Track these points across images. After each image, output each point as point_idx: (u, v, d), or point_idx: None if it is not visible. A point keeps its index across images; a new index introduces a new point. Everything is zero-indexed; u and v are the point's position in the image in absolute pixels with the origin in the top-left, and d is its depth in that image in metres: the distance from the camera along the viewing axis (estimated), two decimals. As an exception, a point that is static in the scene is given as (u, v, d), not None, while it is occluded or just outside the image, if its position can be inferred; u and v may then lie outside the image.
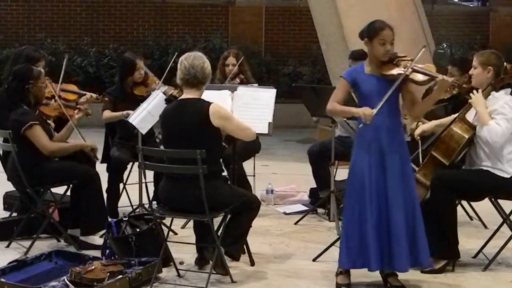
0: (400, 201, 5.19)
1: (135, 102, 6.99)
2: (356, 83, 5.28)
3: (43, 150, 6.18)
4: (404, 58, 5.29)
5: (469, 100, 5.76)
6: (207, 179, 5.23)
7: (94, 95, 7.06)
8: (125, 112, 6.98)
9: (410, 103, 5.37)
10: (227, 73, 7.63)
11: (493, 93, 5.76)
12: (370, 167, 5.21)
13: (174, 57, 6.73)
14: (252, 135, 5.62)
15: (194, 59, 5.43)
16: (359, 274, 5.45)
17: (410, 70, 5.19)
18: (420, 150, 5.92)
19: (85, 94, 7.03)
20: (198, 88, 5.45)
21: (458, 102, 6.46)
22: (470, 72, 5.91)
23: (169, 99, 6.64)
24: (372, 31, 5.24)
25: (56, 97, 6.57)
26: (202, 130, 5.33)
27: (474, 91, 5.76)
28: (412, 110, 5.43)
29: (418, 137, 6.03)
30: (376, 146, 5.21)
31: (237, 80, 7.51)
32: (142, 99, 6.96)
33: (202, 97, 5.46)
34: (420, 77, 5.25)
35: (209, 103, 5.37)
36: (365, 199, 5.19)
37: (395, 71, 5.22)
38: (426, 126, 6.09)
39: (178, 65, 5.47)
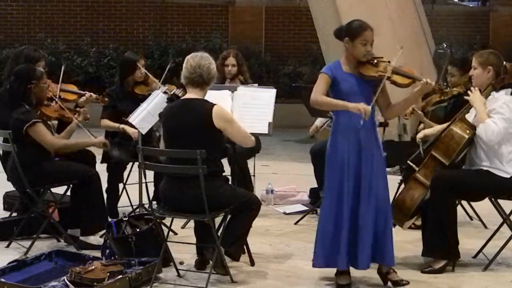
0: (371, 200, 5.23)
1: (136, 101, 7.00)
2: (336, 80, 5.28)
3: (48, 146, 6.17)
4: (382, 59, 5.30)
5: (467, 98, 5.76)
6: (207, 179, 5.23)
7: (94, 95, 7.06)
8: (121, 126, 7.01)
9: (384, 105, 5.40)
10: (226, 73, 7.63)
11: (493, 93, 5.76)
12: (349, 166, 5.26)
13: (171, 64, 6.74)
14: (251, 143, 5.60)
15: (201, 59, 5.41)
16: (359, 274, 5.45)
17: (391, 71, 5.20)
18: (421, 149, 5.91)
19: (85, 94, 7.04)
20: (202, 88, 5.44)
21: (458, 103, 6.46)
22: (470, 73, 5.91)
23: (171, 98, 6.65)
24: (354, 31, 5.24)
25: (56, 98, 6.56)
26: (204, 131, 5.32)
27: (472, 89, 5.77)
28: (387, 112, 5.46)
29: (419, 140, 6.02)
30: (355, 141, 5.25)
31: (237, 81, 7.50)
32: (143, 98, 6.96)
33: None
34: (400, 79, 5.27)
35: (212, 105, 5.36)
36: (343, 197, 5.24)
37: (374, 72, 5.24)
38: (429, 131, 6.09)
39: (184, 64, 5.44)
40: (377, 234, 5.26)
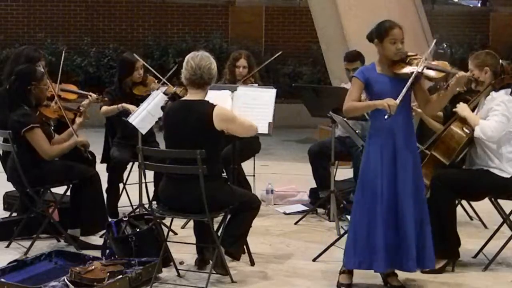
0: (410, 202, 5.18)
1: (134, 101, 7.00)
2: (369, 82, 5.26)
3: (42, 154, 6.17)
4: (415, 57, 5.28)
5: (455, 110, 5.81)
6: (207, 180, 5.22)
7: (95, 96, 7.06)
8: (119, 105, 7.00)
9: (423, 102, 5.37)
10: (237, 74, 7.61)
11: (492, 93, 5.76)
12: (382, 166, 5.20)
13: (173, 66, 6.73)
14: (254, 131, 5.60)
15: (201, 59, 5.40)
16: (359, 274, 5.45)
17: (422, 67, 5.18)
18: (422, 150, 5.91)
19: (85, 94, 7.03)
20: (203, 88, 5.44)
21: (458, 103, 6.45)
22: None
23: (172, 97, 6.65)
24: (382, 31, 5.23)
25: (56, 99, 6.55)
26: (204, 133, 5.31)
27: (458, 104, 5.80)
28: (426, 108, 5.43)
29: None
30: (390, 145, 5.20)
31: (248, 83, 7.46)
32: (142, 98, 6.96)
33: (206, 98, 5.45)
34: (433, 73, 5.25)
35: (213, 106, 5.34)
36: (377, 198, 5.18)
37: (407, 70, 5.21)
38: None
39: (184, 64, 5.43)
40: (417, 237, 5.20)
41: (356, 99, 5.26)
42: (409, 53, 5.29)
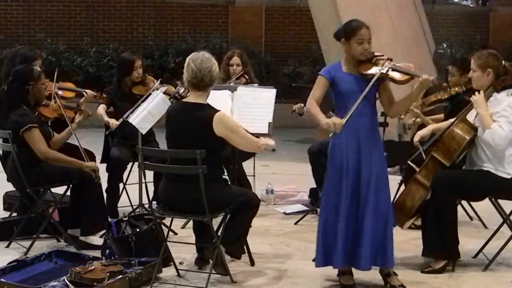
0: (371, 204, 5.20)
1: (134, 101, 7.00)
2: (334, 81, 5.29)
3: (39, 154, 6.17)
4: (382, 57, 5.27)
5: (471, 99, 5.74)
6: (207, 182, 5.21)
7: (92, 93, 7.05)
8: (106, 120, 7.03)
9: (387, 103, 5.38)
10: (231, 73, 7.64)
11: (495, 94, 5.74)
12: (348, 167, 5.23)
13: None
14: (257, 149, 5.59)
15: (201, 62, 5.37)
16: (360, 274, 5.45)
17: (387, 68, 5.18)
18: (422, 150, 5.90)
19: (82, 92, 7.03)
20: (205, 90, 5.42)
21: (458, 103, 6.46)
22: (469, 75, 5.89)
23: (175, 97, 6.66)
24: (349, 31, 5.25)
25: (56, 97, 6.55)
26: (204, 137, 5.29)
27: (476, 92, 5.74)
28: (390, 109, 5.42)
29: (418, 143, 6.00)
30: (354, 146, 5.23)
31: (243, 80, 7.50)
32: (141, 98, 6.96)
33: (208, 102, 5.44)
34: (398, 75, 5.22)
35: (215, 112, 5.32)
36: (341, 197, 5.23)
37: (373, 70, 5.21)
38: (423, 132, 6.06)
39: (185, 66, 5.41)
40: (377, 236, 5.23)
41: (317, 98, 5.31)
42: (376, 54, 5.29)
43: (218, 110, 5.35)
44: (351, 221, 5.23)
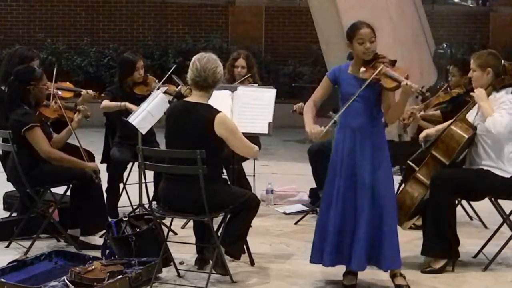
0: (367, 204, 5.19)
1: (135, 101, 7.00)
2: (338, 82, 5.32)
3: (42, 154, 6.16)
4: (381, 60, 5.21)
5: (472, 94, 5.76)
6: (207, 182, 5.21)
7: (91, 92, 7.04)
8: (122, 103, 6.99)
9: (385, 109, 5.33)
10: (236, 74, 7.62)
11: (494, 93, 5.75)
12: (341, 167, 5.25)
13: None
14: (254, 155, 5.60)
15: (207, 62, 5.36)
16: (360, 274, 5.44)
17: (380, 73, 5.13)
18: (424, 148, 5.90)
19: (80, 91, 7.01)
20: (207, 91, 5.42)
21: (458, 104, 6.46)
22: (469, 74, 5.89)
23: (176, 96, 6.65)
24: (350, 32, 5.28)
25: (56, 97, 6.54)
26: (205, 137, 5.28)
27: (475, 90, 5.76)
28: (385, 116, 5.39)
29: (422, 140, 6.00)
30: (349, 147, 5.23)
31: (246, 83, 7.46)
32: (142, 98, 6.96)
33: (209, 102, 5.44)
34: (388, 82, 5.14)
35: (216, 112, 5.32)
36: (333, 198, 5.24)
37: (367, 74, 5.18)
38: (431, 130, 6.05)
39: (190, 65, 5.41)
40: (371, 237, 5.20)
41: (316, 99, 5.38)
42: (380, 55, 5.25)
43: (220, 111, 5.35)
44: (344, 221, 5.22)
